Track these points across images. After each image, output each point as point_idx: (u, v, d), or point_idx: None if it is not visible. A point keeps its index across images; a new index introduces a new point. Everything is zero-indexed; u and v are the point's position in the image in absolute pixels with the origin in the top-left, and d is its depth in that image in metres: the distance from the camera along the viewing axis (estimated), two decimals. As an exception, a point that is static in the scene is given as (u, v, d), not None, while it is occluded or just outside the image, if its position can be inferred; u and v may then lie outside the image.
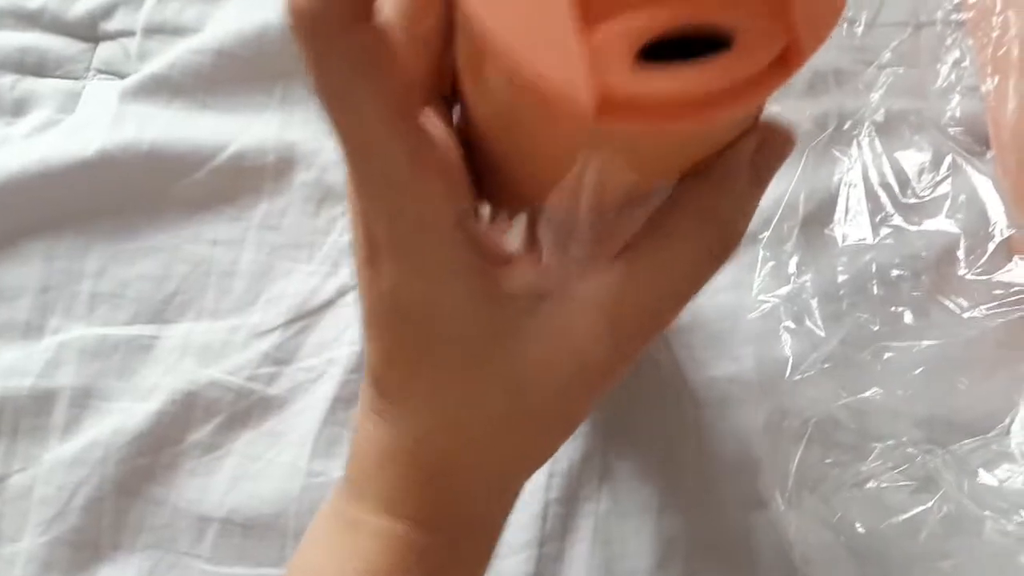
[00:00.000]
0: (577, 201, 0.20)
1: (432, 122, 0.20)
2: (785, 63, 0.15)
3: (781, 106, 0.42)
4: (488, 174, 0.21)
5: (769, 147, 0.19)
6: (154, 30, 0.46)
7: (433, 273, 0.19)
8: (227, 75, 0.44)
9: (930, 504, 0.32)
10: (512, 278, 0.20)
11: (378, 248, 0.19)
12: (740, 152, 0.19)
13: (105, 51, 0.46)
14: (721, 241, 0.19)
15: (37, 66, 0.45)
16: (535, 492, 0.37)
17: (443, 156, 0.19)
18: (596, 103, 0.14)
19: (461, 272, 0.19)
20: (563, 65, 0.14)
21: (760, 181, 0.19)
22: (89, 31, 0.46)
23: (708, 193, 0.19)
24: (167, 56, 0.44)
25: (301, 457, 0.38)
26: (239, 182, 0.42)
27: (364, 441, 0.23)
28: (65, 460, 0.37)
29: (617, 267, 0.20)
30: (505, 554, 0.36)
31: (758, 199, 0.20)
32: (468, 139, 0.21)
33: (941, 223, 0.38)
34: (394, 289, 0.20)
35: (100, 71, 0.46)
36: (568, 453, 0.37)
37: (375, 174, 0.18)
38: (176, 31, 0.46)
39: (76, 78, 0.45)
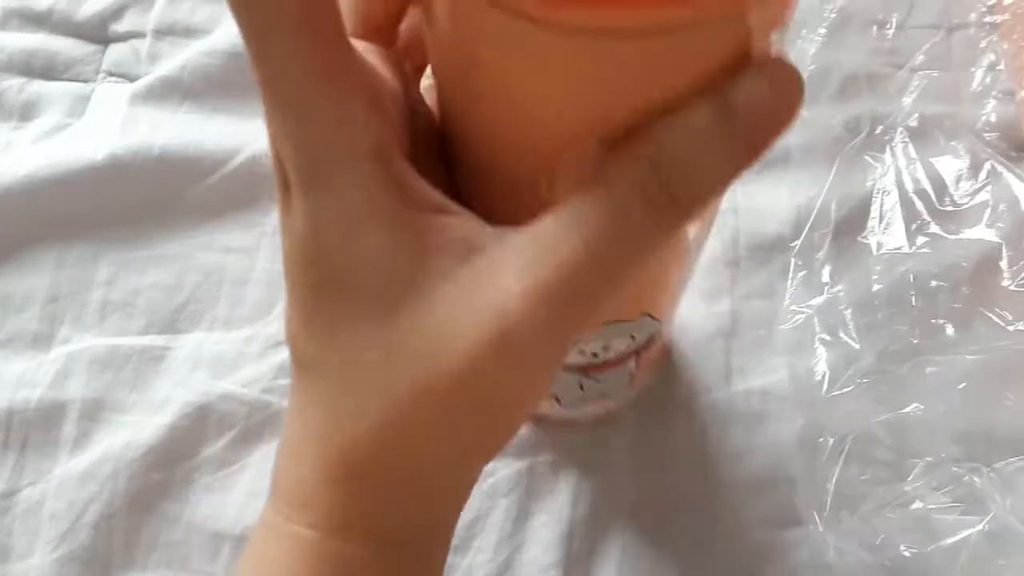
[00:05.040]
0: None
1: (377, 53, 0.17)
2: None
3: (811, 111, 0.41)
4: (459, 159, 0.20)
5: (770, 87, 0.15)
6: (165, 31, 0.45)
7: (345, 213, 0.16)
8: (239, 78, 0.43)
9: (979, 527, 0.31)
10: (447, 228, 0.17)
11: (288, 183, 0.17)
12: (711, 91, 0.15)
13: (115, 53, 0.45)
14: (665, 182, 0.15)
15: (45, 68, 0.44)
16: (561, 512, 0.36)
17: (372, 83, 0.16)
18: None
19: (375, 214, 0.16)
20: None
21: (743, 127, 0.15)
22: (99, 32, 0.45)
23: (656, 129, 0.15)
24: (178, 58, 0.43)
25: (318, 473, 0.36)
26: (252, 188, 0.41)
27: (285, 426, 0.20)
28: (75, 475, 0.36)
29: (539, 222, 0.16)
30: (530, 574, 0.35)
31: (742, 150, 0.15)
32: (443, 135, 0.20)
33: (981, 232, 0.37)
34: (306, 232, 0.17)
35: (110, 73, 0.45)
36: (595, 472, 0.36)
37: (281, 76, 0.15)
38: (187, 32, 0.45)
39: (85, 81, 0.44)
